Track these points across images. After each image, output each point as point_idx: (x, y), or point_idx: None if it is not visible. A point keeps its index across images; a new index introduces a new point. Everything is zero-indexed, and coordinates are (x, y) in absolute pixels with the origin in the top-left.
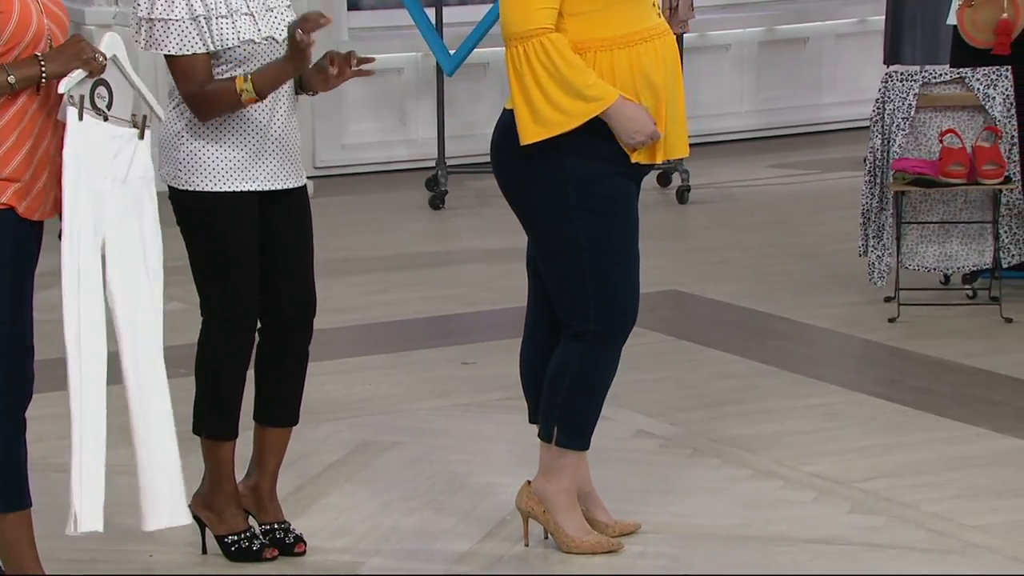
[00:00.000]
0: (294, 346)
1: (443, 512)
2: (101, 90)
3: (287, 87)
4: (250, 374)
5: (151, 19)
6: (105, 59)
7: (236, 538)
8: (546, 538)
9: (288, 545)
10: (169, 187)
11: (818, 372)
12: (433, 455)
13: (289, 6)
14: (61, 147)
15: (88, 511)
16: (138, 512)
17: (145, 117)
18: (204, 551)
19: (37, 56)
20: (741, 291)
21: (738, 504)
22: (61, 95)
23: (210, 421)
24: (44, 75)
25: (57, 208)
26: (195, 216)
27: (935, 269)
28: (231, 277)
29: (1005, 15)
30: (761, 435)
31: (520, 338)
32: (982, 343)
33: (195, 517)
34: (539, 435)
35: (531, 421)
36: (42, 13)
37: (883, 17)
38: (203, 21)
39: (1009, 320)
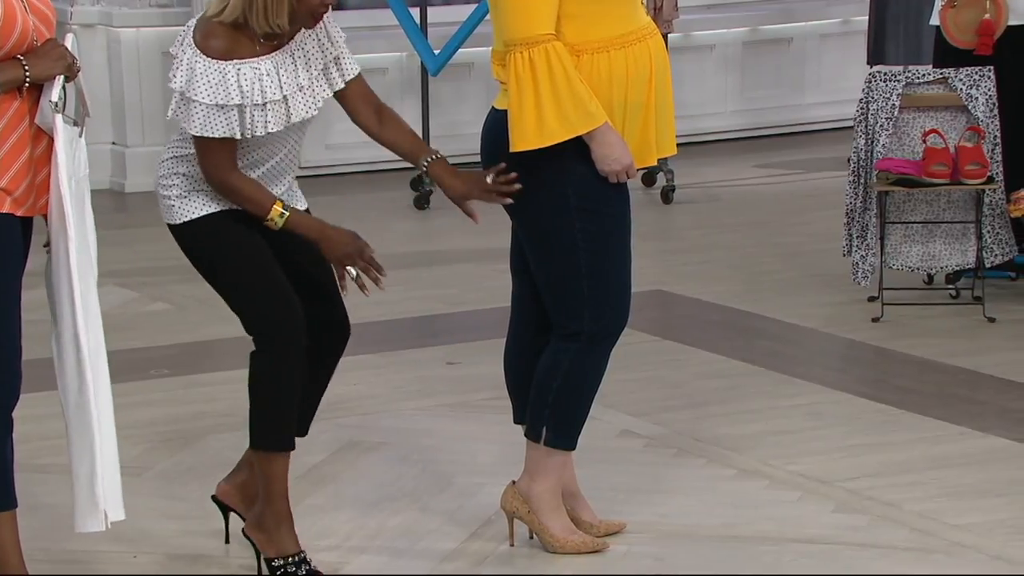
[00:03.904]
0: (329, 361)
1: (428, 512)
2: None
3: (291, 171)
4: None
5: (184, 96)
6: (78, 63)
7: (283, 562)
8: (531, 538)
9: None
10: (172, 226)
11: (802, 372)
12: (418, 455)
13: (324, 69)
14: (47, 150)
15: (112, 502)
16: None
17: (84, 116)
18: (259, 574)
19: (19, 59)
20: (726, 291)
21: (723, 504)
22: (38, 99)
23: (265, 434)
24: (28, 79)
25: (41, 208)
26: (201, 240)
27: (919, 269)
28: (261, 290)
29: (987, 15)
30: (746, 435)
31: (505, 338)
32: (965, 343)
33: (249, 539)
34: (527, 435)
35: (516, 421)
36: (27, 12)
37: (866, 17)
38: (234, 111)
39: (992, 320)
